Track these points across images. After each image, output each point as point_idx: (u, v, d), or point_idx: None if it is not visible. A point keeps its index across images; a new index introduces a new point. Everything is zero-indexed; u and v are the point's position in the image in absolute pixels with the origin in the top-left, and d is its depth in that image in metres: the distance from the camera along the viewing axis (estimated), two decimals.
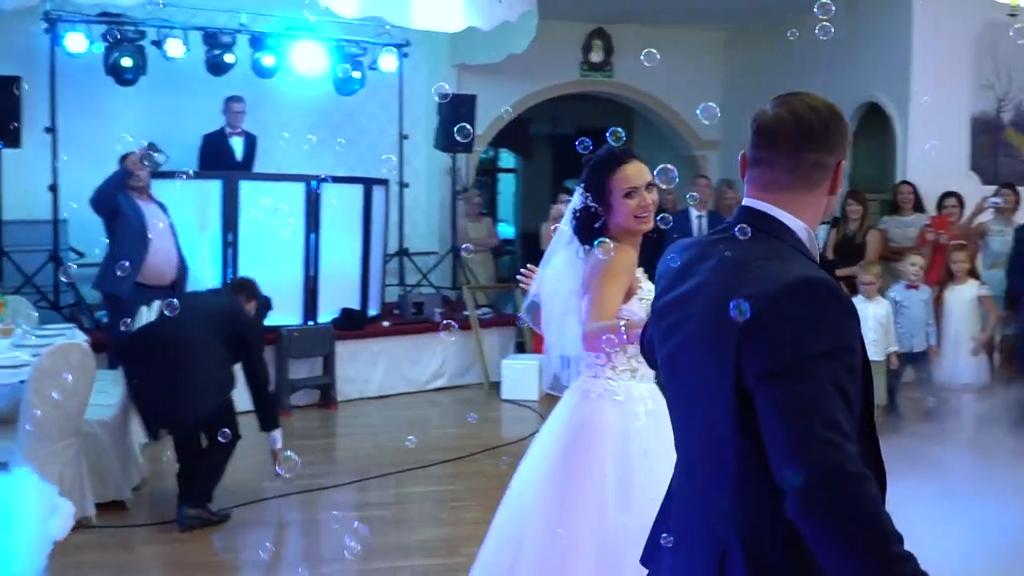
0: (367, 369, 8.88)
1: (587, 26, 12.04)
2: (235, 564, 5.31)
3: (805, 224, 1.96)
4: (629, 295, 3.22)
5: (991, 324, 7.72)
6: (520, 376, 9.02)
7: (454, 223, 10.42)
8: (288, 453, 5.01)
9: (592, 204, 3.28)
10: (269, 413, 5.69)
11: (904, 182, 9.18)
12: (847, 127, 2.02)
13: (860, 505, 1.61)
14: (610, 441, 3.23)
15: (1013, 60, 9.53)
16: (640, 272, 3.28)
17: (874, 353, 7.43)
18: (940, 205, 8.72)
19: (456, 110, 10.04)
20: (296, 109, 9.87)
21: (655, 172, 2.81)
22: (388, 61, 9.90)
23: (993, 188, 8.80)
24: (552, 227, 9.25)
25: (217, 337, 5.43)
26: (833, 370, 1.70)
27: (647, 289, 3.19)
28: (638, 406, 3.27)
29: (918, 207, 9.00)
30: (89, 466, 5.60)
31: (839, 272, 8.51)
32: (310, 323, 8.58)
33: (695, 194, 9.17)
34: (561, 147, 17.75)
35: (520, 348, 9.91)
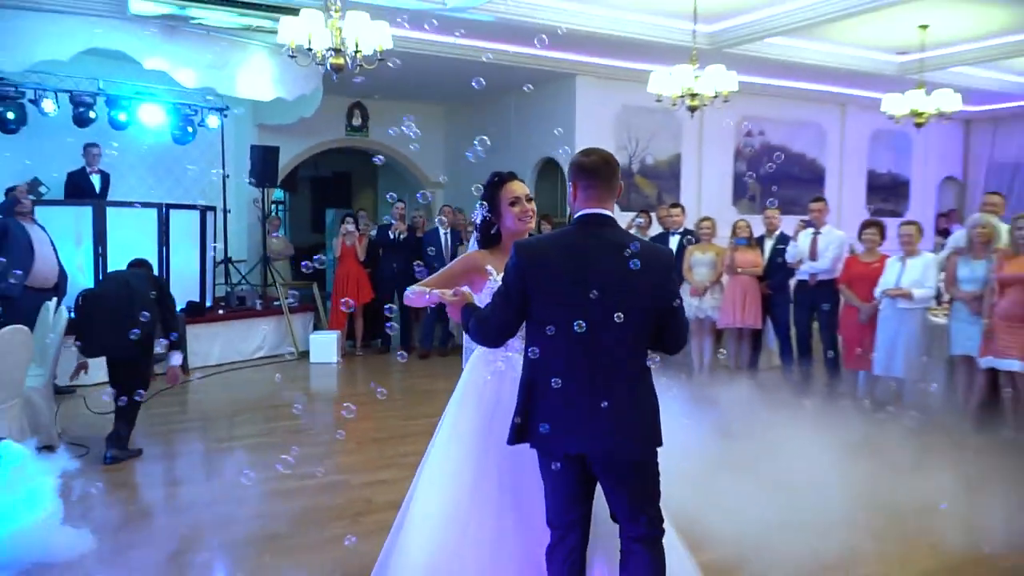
0: (208, 345, 8.96)
1: (350, 100, 12.46)
2: (150, 483, 5.46)
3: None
4: (480, 284, 3.08)
5: None
6: (323, 346, 9.42)
7: (264, 239, 10.59)
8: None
9: (488, 215, 3.18)
10: (173, 330, 5.76)
11: None
12: None
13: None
14: (474, 392, 3.08)
15: (639, 131, 10.88)
16: (492, 268, 3.08)
17: None
18: None
19: (265, 157, 10.28)
20: (141, 154, 9.69)
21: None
22: (212, 120, 9.94)
23: (631, 214, 9.91)
24: (341, 239, 9.82)
25: (149, 290, 5.61)
26: None
27: (494, 280, 3.05)
28: (491, 367, 3.06)
29: None
30: (28, 420, 5.60)
31: None
32: None
33: (443, 218, 9.92)
34: (319, 185, 18.13)
35: (315, 327, 10.23)
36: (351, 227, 9.83)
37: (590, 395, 2.54)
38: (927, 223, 12.18)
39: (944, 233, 10.99)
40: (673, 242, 8.50)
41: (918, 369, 6.68)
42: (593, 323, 2.51)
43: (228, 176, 10.20)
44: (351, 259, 9.81)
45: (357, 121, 12.84)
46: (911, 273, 6.63)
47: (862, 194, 13.04)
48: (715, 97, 7.56)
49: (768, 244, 8.05)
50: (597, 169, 2.63)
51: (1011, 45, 9.46)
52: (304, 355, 9.61)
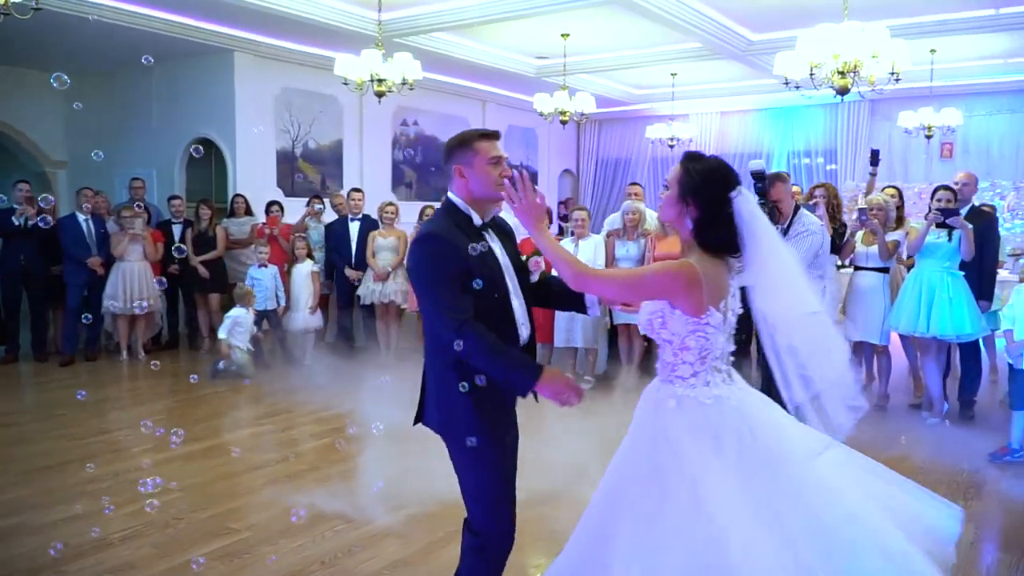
0: None
1: None
2: None
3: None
4: None
5: (317, 290, 8.03)
6: None
7: None
8: None
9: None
10: None
11: (238, 194, 9.15)
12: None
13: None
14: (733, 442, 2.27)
15: (301, 115, 10.21)
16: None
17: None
18: (267, 209, 8.87)
19: None
20: None
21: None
22: None
23: (299, 200, 9.37)
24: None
25: None
26: None
27: None
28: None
29: (248, 211, 9.06)
30: None
31: (201, 259, 8.44)
32: None
33: (86, 204, 8.38)
34: None
35: None
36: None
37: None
38: (553, 211, 13.38)
39: (565, 219, 12.12)
40: (354, 228, 8.29)
41: (592, 339, 7.22)
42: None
43: None
44: None
45: None
46: (584, 253, 7.10)
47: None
48: (403, 84, 7.34)
49: None
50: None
51: (631, 57, 10.67)
52: None
